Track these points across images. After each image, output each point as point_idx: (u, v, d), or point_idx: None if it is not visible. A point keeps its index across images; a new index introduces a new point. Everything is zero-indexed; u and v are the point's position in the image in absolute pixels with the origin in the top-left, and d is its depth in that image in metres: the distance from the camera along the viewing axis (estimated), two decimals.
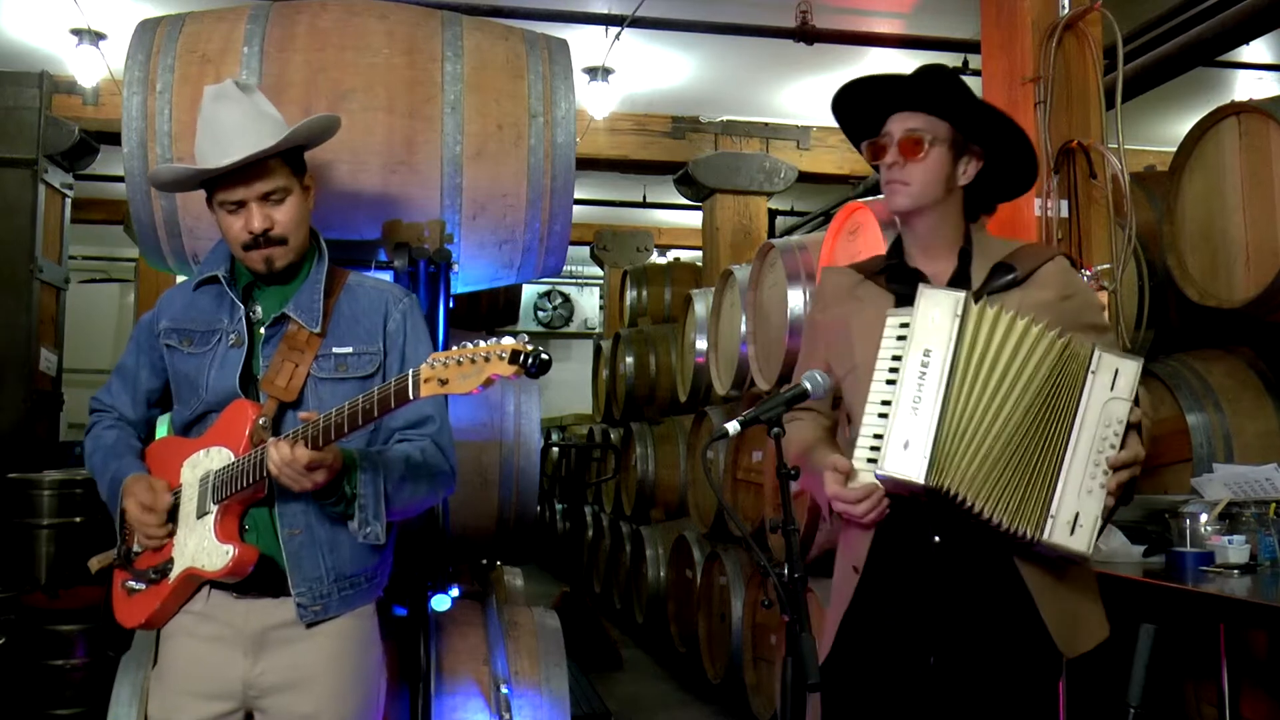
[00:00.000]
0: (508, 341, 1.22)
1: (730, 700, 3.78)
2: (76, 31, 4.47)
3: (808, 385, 1.37)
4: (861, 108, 1.55)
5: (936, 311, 1.36)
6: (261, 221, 1.50)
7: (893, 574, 1.46)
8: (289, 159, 1.54)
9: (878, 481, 1.38)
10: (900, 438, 1.34)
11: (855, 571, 1.49)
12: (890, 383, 1.39)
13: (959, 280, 1.50)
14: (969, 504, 1.34)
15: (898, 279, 1.53)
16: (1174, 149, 2.74)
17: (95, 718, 3.00)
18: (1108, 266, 2.49)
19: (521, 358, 1.20)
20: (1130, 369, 1.34)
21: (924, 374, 1.35)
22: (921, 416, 1.33)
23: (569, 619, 3.16)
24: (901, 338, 1.41)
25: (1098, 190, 2.55)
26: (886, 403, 1.38)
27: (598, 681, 4.29)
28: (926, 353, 1.35)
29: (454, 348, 1.27)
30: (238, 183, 1.49)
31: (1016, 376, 1.36)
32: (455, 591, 2.15)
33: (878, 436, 1.38)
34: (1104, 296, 2.44)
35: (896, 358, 1.39)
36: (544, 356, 1.21)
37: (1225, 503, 2.15)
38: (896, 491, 1.39)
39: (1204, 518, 2.13)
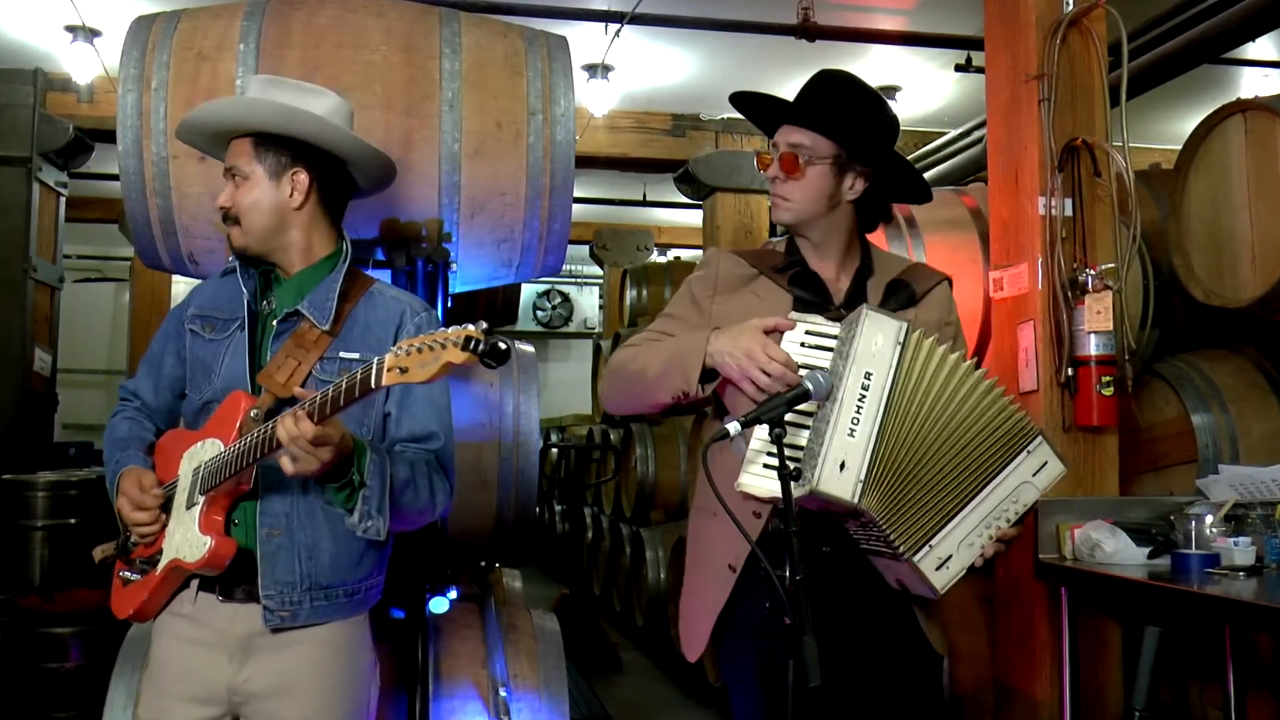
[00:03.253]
0: (462, 329, 1.20)
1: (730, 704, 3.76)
2: (71, 28, 4.45)
3: (809, 385, 1.35)
4: (759, 114, 1.57)
5: (879, 337, 1.38)
6: (220, 198, 1.55)
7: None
8: (261, 142, 1.53)
9: (777, 490, 1.36)
10: (836, 459, 1.35)
11: (731, 570, 1.49)
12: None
13: (857, 297, 1.54)
14: (881, 525, 1.36)
15: (799, 282, 1.54)
16: (1179, 147, 2.73)
17: None
18: (1112, 266, 2.47)
19: (473, 344, 1.18)
20: (1056, 470, 1.43)
21: (863, 398, 1.36)
22: (858, 439, 1.35)
23: (568, 621, 3.14)
24: (806, 345, 1.42)
25: (1102, 189, 2.53)
26: (805, 413, 1.39)
27: (597, 684, 4.27)
28: (867, 376, 1.36)
29: (421, 334, 1.25)
30: (225, 155, 1.57)
31: (952, 414, 1.39)
32: (453, 594, 2.14)
33: (789, 445, 1.37)
34: (1109, 296, 2.42)
35: (808, 367, 1.39)
36: (500, 346, 1.19)
37: (1231, 504, 2.13)
38: (810, 506, 1.40)
39: (1209, 519, 2.11)
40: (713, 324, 1.52)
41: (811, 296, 1.53)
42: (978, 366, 1.43)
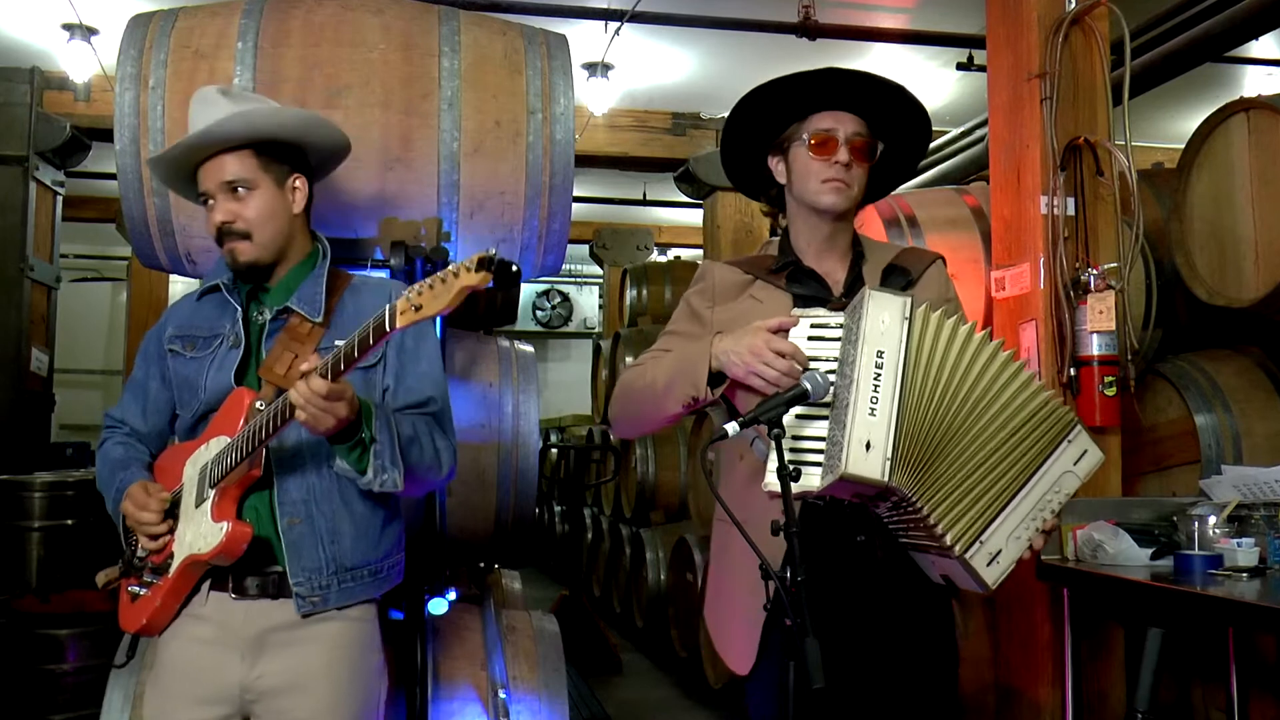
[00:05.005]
0: (473, 256, 1.23)
1: (732, 705, 3.75)
2: (68, 26, 4.43)
3: (807, 385, 1.35)
4: (790, 97, 1.54)
5: (885, 315, 1.36)
6: (222, 214, 1.52)
7: (817, 577, 1.44)
8: (267, 153, 1.54)
9: (811, 484, 1.36)
10: (861, 439, 1.33)
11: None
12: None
13: (855, 285, 1.54)
14: (917, 505, 1.35)
15: (796, 280, 1.54)
16: (1182, 145, 2.72)
17: None
18: (1115, 265, 2.46)
19: (490, 264, 1.21)
20: (1095, 457, 1.42)
21: (878, 376, 1.35)
22: (880, 418, 1.33)
23: (568, 623, 3.13)
24: (813, 338, 1.42)
25: (1104, 188, 2.52)
26: (814, 404, 1.38)
27: (597, 686, 4.26)
28: (879, 354, 1.35)
29: (425, 279, 1.28)
30: (205, 173, 1.54)
31: (974, 385, 1.37)
32: (452, 595, 2.12)
33: (799, 438, 1.38)
34: (1111, 296, 2.41)
35: (812, 358, 1.39)
36: (511, 266, 1.22)
37: (1234, 505, 2.12)
38: (839, 494, 1.39)
39: (1212, 520, 2.10)
40: (715, 333, 1.51)
41: (810, 291, 1.53)
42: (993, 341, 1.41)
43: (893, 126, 1.56)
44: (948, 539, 1.35)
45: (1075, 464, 1.40)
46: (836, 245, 1.57)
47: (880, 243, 1.66)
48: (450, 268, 1.23)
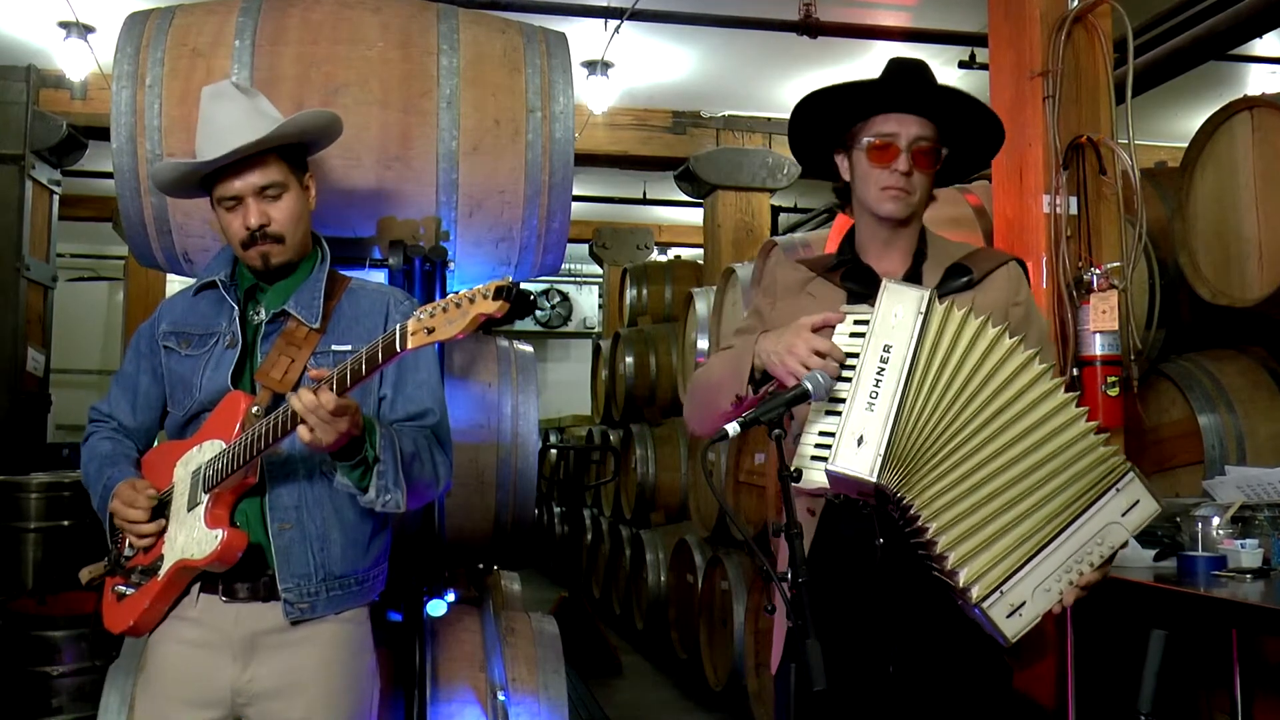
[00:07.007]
0: (491, 282, 1.23)
1: (732, 707, 3.74)
2: (64, 24, 4.42)
3: (809, 385, 1.32)
4: (853, 96, 1.51)
5: (900, 308, 1.33)
6: (258, 217, 1.50)
7: (835, 580, 1.42)
8: (287, 155, 1.54)
9: (825, 480, 1.32)
10: (854, 433, 1.29)
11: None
12: (844, 380, 1.35)
13: (911, 280, 1.51)
14: (919, 519, 1.29)
15: (852, 277, 1.53)
16: (1185, 144, 2.71)
17: None
18: (1118, 264, 2.45)
19: (506, 293, 1.21)
20: (1149, 510, 1.30)
21: (882, 370, 1.31)
22: (877, 413, 1.29)
23: (567, 624, 3.12)
24: (855, 335, 1.38)
25: (1107, 187, 2.50)
26: (837, 400, 1.34)
27: (597, 688, 4.25)
28: (886, 348, 1.32)
29: (438, 299, 1.28)
30: (234, 177, 1.51)
31: (995, 394, 1.31)
32: (451, 596, 2.12)
33: (824, 434, 1.34)
34: (1114, 295, 2.39)
35: (851, 354, 1.36)
36: (529, 296, 1.21)
37: (1238, 506, 2.11)
38: (843, 491, 1.36)
39: (1216, 521, 2.09)
40: (761, 330, 1.50)
41: (864, 289, 1.49)
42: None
43: (961, 127, 1.51)
44: (960, 578, 1.27)
45: (1124, 515, 1.28)
46: (898, 245, 1.53)
47: (952, 241, 1.60)
48: (466, 292, 1.23)
